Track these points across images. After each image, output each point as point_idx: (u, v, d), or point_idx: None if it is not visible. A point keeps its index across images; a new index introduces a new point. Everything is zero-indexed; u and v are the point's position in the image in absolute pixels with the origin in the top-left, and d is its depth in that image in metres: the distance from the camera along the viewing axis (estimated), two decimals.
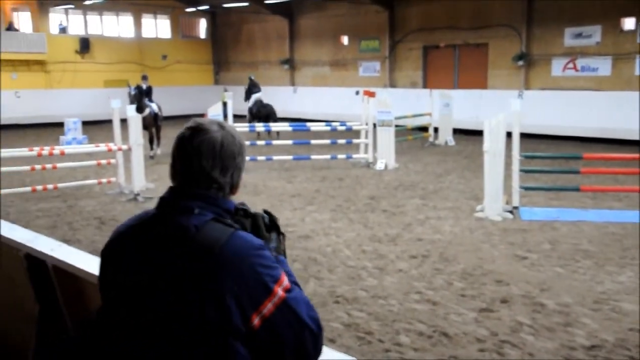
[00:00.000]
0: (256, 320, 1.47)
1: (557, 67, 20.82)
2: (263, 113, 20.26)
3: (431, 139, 18.73)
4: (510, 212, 9.38)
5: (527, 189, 9.88)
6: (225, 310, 1.44)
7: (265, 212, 1.75)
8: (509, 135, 9.62)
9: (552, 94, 20.35)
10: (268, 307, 1.48)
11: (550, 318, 5.48)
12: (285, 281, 1.54)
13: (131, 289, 1.55)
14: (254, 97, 20.72)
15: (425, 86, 23.99)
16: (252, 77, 21.85)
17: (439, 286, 6.39)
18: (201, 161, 1.61)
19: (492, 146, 9.15)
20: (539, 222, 8.98)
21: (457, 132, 19.45)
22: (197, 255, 1.47)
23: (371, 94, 14.93)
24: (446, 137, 18.72)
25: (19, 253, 2.72)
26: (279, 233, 1.72)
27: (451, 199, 10.79)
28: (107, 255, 1.68)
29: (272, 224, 1.72)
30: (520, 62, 21.49)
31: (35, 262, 2.64)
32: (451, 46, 23.74)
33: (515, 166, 9.48)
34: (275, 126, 16.43)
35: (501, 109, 10.62)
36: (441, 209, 10.06)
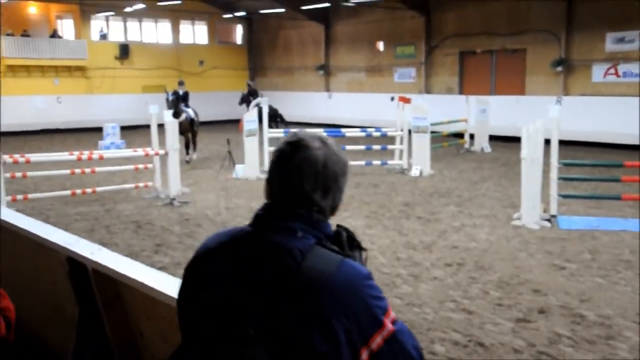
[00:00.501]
0: (364, 355, 1.42)
1: (598, 72, 20.40)
2: (269, 114, 20.63)
3: (467, 146, 18.54)
4: (548, 220, 9.21)
5: (565, 197, 9.69)
6: (335, 342, 1.39)
7: (339, 226, 1.62)
8: (547, 142, 9.45)
9: (592, 100, 19.95)
10: (377, 340, 1.43)
11: (591, 330, 5.35)
12: (392, 312, 1.49)
13: (219, 304, 1.48)
14: (255, 102, 21.08)
15: (461, 92, 23.78)
16: (251, 83, 22.19)
17: (475, 295, 6.31)
18: (302, 182, 1.52)
19: (530, 153, 9.01)
20: (578, 231, 8.79)
21: (493, 138, 19.19)
22: (304, 283, 1.40)
23: (406, 100, 14.86)
24: (482, 143, 18.50)
25: (60, 256, 2.77)
26: (361, 249, 1.62)
27: (487, 207, 10.65)
28: (193, 271, 1.60)
29: (351, 240, 1.59)
30: (559, 68, 21.13)
31: (76, 265, 2.69)
32: (488, 52, 23.49)
33: (554, 174, 9.31)
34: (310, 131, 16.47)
35: (539, 116, 10.43)
36: (477, 216, 9.94)
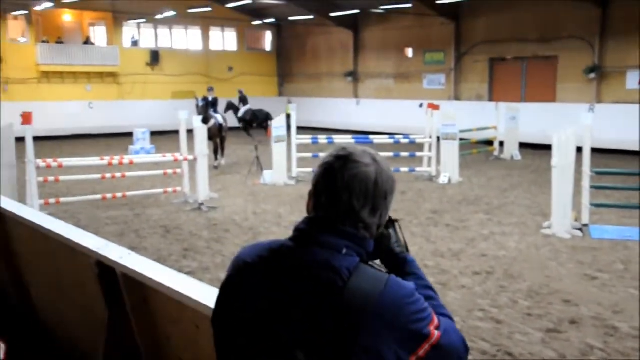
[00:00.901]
0: None
1: (633, 79, 20.03)
2: (261, 117, 21.93)
3: (496, 153, 18.35)
4: (580, 229, 9.05)
5: (597, 206, 9.52)
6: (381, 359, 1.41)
7: None
8: (579, 150, 9.31)
9: (626, 108, 19.57)
10: (425, 348, 1.45)
11: (624, 342, 5.23)
12: (436, 318, 1.49)
13: (255, 316, 1.47)
14: (245, 108, 21.72)
15: (491, 99, 23.57)
16: (242, 91, 22.71)
17: (504, 304, 6.22)
18: (352, 199, 1.48)
19: (561, 161, 8.87)
20: (610, 240, 8.62)
21: (523, 146, 18.97)
22: (350, 302, 1.39)
23: (435, 107, 14.77)
24: (512, 151, 18.29)
25: (90, 260, 2.81)
26: (394, 222, 1.63)
27: (517, 215, 10.51)
28: (230, 285, 1.57)
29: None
30: (592, 75, 20.81)
31: (106, 269, 2.72)
32: (519, 58, 23.25)
33: (586, 182, 9.16)
34: (338, 138, 16.46)
35: (571, 123, 10.28)
36: (506, 224, 9.82)
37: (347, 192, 1.48)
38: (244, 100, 21.97)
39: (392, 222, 1.66)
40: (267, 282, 1.48)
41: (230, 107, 21.84)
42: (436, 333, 1.46)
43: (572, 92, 21.37)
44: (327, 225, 1.49)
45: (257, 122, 22.34)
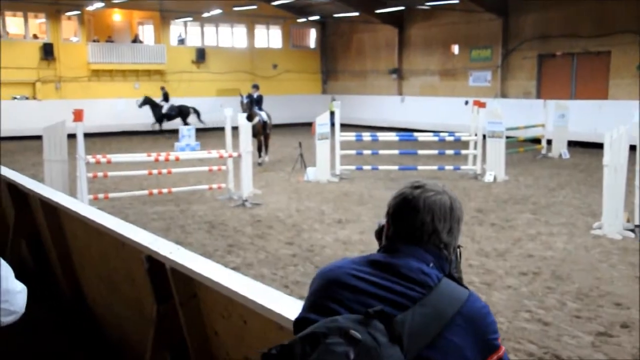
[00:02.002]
0: None
1: None
2: (185, 112, 24.12)
3: (544, 151, 17.97)
4: (632, 230, 8.79)
5: None
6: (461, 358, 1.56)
7: None
8: (632, 148, 9.03)
9: None
10: (493, 359, 1.61)
11: None
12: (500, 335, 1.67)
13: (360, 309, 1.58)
14: (169, 104, 22.86)
15: (539, 96, 23.08)
16: (164, 87, 24.13)
17: (551, 306, 6.09)
18: (434, 221, 1.69)
19: (613, 160, 8.63)
20: None
21: (572, 144, 18.53)
22: (437, 305, 1.56)
23: (481, 104, 14.55)
24: (560, 149, 17.88)
25: (140, 254, 2.86)
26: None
27: (565, 215, 10.28)
28: (333, 287, 1.66)
29: None
30: None
31: (155, 263, 2.76)
32: (569, 54, 22.69)
33: (639, 182, 8.88)
34: (383, 136, 16.39)
35: (623, 121, 9.99)
36: (554, 224, 9.61)
37: (430, 215, 1.69)
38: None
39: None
40: (363, 280, 1.63)
41: (147, 102, 22.18)
42: (503, 348, 1.65)
43: (625, 88, 20.70)
44: (414, 243, 1.69)
45: (183, 118, 23.63)
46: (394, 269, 1.63)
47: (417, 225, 1.69)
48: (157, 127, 24.98)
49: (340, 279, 1.64)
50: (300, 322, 1.66)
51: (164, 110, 23.11)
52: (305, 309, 1.69)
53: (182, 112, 24.35)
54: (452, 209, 1.72)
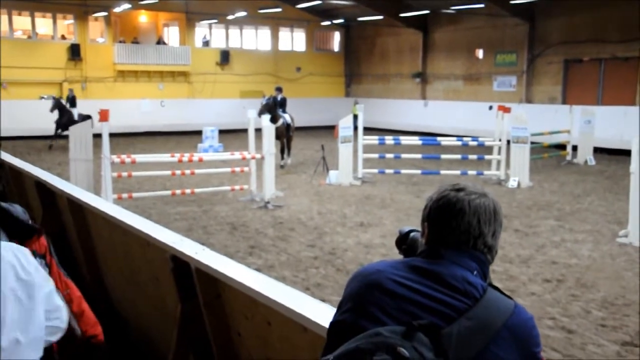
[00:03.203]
0: None
1: None
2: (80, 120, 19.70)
3: (569, 158, 17.75)
4: None
5: None
6: None
7: None
8: None
9: None
10: None
11: None
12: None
13: (399, 316, 1.54)
14: (75, 111, 20.81)
15: (564, 102, 22.82)
16: (72, 90, 22.00)
17: (576, 314, 6.01)
18: (479, 224, 1.64)
19: None
20: None
21: (598, 151, 18.29)
22: (483, 316, 1.52)
23: (506, 110, 14.43)
24: (586, 155, 17.65)
25: (165, 254, 2.88)
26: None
27: (590, 222, 10.14)
28: (371, 292, 1.61)
29: None
30: None
31: (180, 263, 2.78)
32: (596, 60, 22.41)
33: None
34: (405, 139, 16.33)
35: None
36: (579, 231, 9.49)
37: (476, 217, 1.64)
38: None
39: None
40: (405, 287, 1.57)
41: (57, 106, 20.61)
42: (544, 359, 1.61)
43: None
44: (458, 247, 1.64)
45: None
46: (438, 277, 1.57)
47: (462, 229, 1.63)
48: (59, 132, 20.76)
49: (382, 284, 1.59)
50: (338, 324, 1.61)
51: (75, 117, 20.21)
52: (343, 311, 1.63)
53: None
54: (496, 212, 1.67)
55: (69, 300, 2.33)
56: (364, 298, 1.60)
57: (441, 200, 1.68)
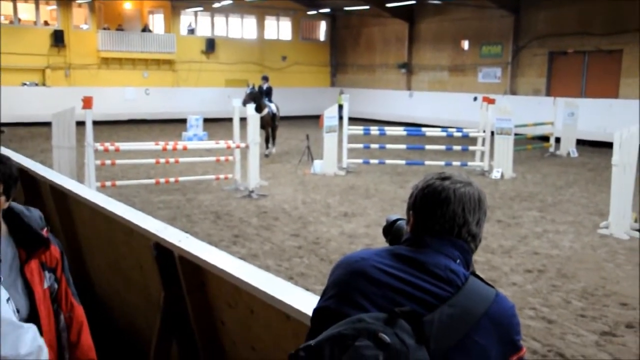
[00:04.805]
0: None
1: None
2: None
3: (552, 149, 17.90)
4: (639, 230, 8.77)
5: None
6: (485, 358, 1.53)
7: None
8: None
9: None
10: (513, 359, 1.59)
11: None
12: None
13: (384, 303, 1.55)
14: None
15: (548, 94, 22.97)
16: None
17: (556, 304, 6.09)
18: (464, 213, 1.65)
19: (622, 159, 8.60)
20: None
21: (581, 143, 18.46)
22: (465, 304, 1.52)
23: (490, 101, 14.50)
24: (569, 147, 17.81)
25: (148, 242, 2.88)
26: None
27: (572, 213, 10.26)
28: (355, 279, 1.62)
29: None
30: None
31: (164, 251, 2.78)
32: (580, 52, 22.56)
33: None
34: (390, 130, 16.34)
35: (633, 120, 9.95)
36: (560, 222, 9.59)
37: (461, 206, 1.65)
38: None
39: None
40: (390, 275, 1.58)
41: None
42: (524, 349, 1.61)
43: (636, 88, 20.48)
44: (443, 235, 1.65)
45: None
46: (421, 265, 1.58)
47: (447, 217, 1.64)
48: None
49: (366, 272, 1.59)
50: (322, 310, 1.62)
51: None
52: (327, 298, 1.64)
53: None
54: (481, 201, 1.68)
55: (68, 324, 2.25)
56: (348, 285, 1.60)
57: (427, 188, 1.68)
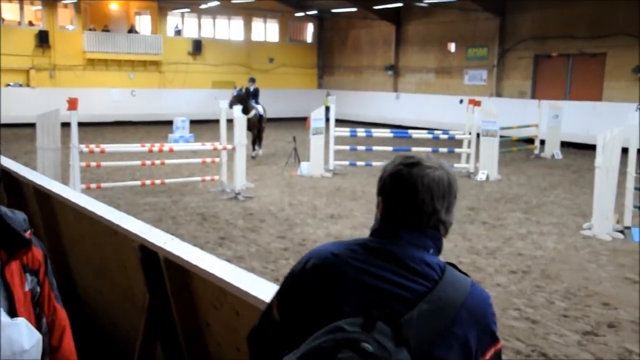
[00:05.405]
0: None
1: None
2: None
3: (537, 151, 18.05)
4: (622, 232, 8.87)
5: None
6: (469, 354, 1.52)
7: None
8: (624, 150, 9.10)
9: None
10: (491, 352, 1.58)
11: None
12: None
13: (355, 302, 1.52)
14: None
15: (533, 96, 23.15)
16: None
17: (540, 304, 6.15)
18: (433, 200, 1.59)
19: (605, 162, 8.69)
20: None
21: (565, 145, 18.63)
22: (442, 297, 1.51)
23: (476, 103, 14.60)
24: (553, 150, 17.97)
25: (133, 244, 2.87)
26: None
27: (556, 215, 10.35)
28: (322, 274, 1.59)
29: None
30: None
31: (148, 253, 2.78)
32: (565, 55, 22.76)
33: (630, 184, 8.96)
34: (377, 132, 16.40)
35: (616, 123, 10.06)
36: (545, 224, 9.68)
37: (429, 194, 1.58)
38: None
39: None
40: (365, 273, 1.54)
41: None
42: (501, 342, 1.61)
43: (620, 90, 20.78)
44: (413, 226, 1.60)
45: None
46: (397, 260, 1.54)
47: (415, 206, 1.58)
48: None
49: (339, 270, 1.55)
50: (287, 304, 1.64)
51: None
52: (294, 298, 1.61)
53: None
54: (450, 185, 1.61)
55: (50, 328, 2.21)
56: (321, 286, 1.57)
57: (394, 175, 1.63)
